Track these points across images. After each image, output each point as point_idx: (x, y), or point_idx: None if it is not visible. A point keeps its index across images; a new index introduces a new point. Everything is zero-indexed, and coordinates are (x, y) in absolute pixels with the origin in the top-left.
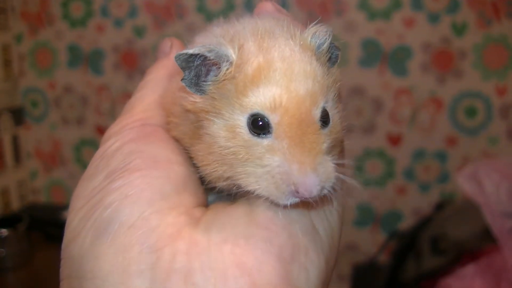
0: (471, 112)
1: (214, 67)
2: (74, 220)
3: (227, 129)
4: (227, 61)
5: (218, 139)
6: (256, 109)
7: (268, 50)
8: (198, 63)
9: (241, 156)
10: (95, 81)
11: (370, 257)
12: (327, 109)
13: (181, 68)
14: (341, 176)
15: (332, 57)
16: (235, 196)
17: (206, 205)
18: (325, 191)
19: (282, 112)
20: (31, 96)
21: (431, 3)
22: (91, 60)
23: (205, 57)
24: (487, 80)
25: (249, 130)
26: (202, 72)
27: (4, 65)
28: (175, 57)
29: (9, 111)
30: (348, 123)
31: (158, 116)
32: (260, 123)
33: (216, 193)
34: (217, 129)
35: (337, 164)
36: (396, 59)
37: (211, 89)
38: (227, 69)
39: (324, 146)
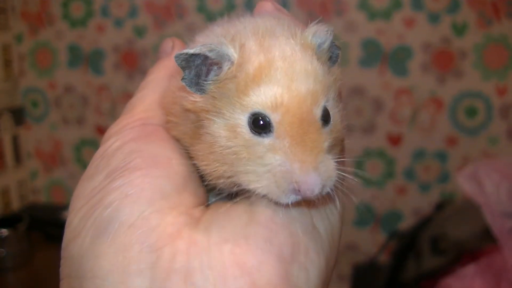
0: (471, 112)
1: (215, 67)
2: (74, 219)
3: (228, 128)
4: (228, 60)
5: (218, 138)
6: (257, 108)
7: (269, 49)
8: (198, 62)
9: (242, 155)
10: (95, 81)
11: (370, 257)
12: (328, 108)
13: (181, 68)
14: (342, 174)
15: (332, 56)
16: (236, 195)
17: (206, 204)
18: (327, 190)
19: (284, 111)
20: (31, 96)
21: (431, 3)
22: (91, 60)
23: (206, 57)
24: (487, 80)
25: (250, 129)
26: (203, 72)
27: (4, 65)
28: (175, 57)
29: (9, 111)
30: (348, 123)
31: (159, 115)
32: (261, 122)
33: (217, 192)
34: (217, 128)
35: (338, 163)
36: (396, 59)
37: (211, 89)
38: (229, 68)
39: (325, 144)
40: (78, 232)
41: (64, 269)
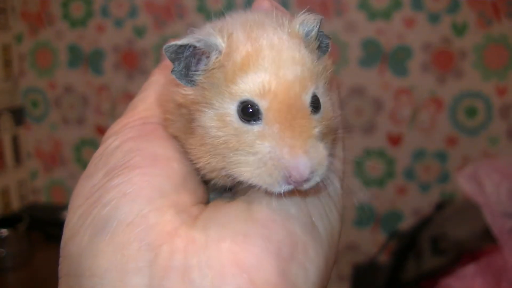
0: (471, 112)
1: (203, 57)
2: (73, 218)
3: (218, 118)
4: (216, 50)
5: (209, 129)
6: (246, 95)
7: (257, 39)
8: (187, 54)
9: (232, 144)
10: (95, 81)
11: (370, 257)
12: (318, 95)
13: (171, 60)
14: (335, 164)
15: (322, 45)
16: (235, 193)
17: (206, 202)
18: (318, 177)
19: (271, 97)
20: (31, 96)
21: (431, 3)
22: (91, 60)
23: (194, 47)
24: (487, 80)
25: (239, 117)
26: (192, 63)
27: (4, 65)
28: (164, 49)
29: (9, 111)
30: (348, 123)
31: (159, 115)
32: (250, 110)
33: (216, 190)
34: (208, 119)
35: (332, 153)
36: (396, 59)
37: (201, 79)
38: (216, 58)
39: (316, 130)
40: (77, 230)
41: (62, 268)
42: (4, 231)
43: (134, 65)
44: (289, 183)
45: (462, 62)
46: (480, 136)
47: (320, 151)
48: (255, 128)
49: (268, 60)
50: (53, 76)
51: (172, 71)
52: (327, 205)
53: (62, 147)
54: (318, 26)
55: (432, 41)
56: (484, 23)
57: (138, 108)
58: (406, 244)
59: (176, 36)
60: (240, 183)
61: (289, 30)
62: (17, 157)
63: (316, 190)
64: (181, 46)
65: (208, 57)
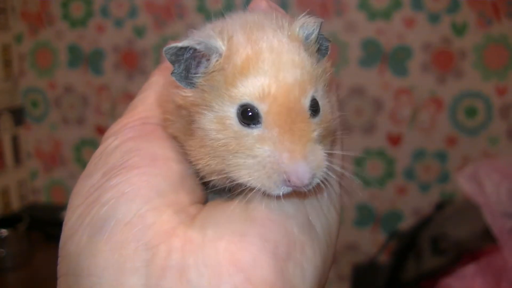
0: (471, 112)
1: (203, 60)
2: (71, 218)
3: (218, 121)
4: (216, 52)
5: (209, 131)
6: (245, 99)
7: (257, 42)
8: (187, 56)
9: (231, 147)
10: (95, 81)
11: (370, 257)
12: (317, 99)
13: (171, 62)
14: (333, 166)
15: (322, 48)
16: (234, 193)
17: (204, 203)
18: (317, 180)
19: (271, 101)
20: (31, 96)
21: (431, 3)
22: (91, 60)
23: (195, 50)
24: (487, 80)
25: (239, 120)
26: (192, 65)
27: (4, 65)
28: (164, 51)
29: (9, 111)
30: (348, 123)
31: (159, 115)
32: (250, 113)
33: (215, 190)
34: (208, 121)
35: (330, 154)
36: (396, 59)
37: (201, 82)
38: (217, 61)
39: (315, 134)
40: (75, 230)
41: (61, 268)
42: (4, 231)
43: (134, 65)
44: (287, 186)
45: (462, 62)
46: (480, 136)
47: (319, 154)
48: (254, 131)
49: (268, 63)
50: (53, 76)
51: (172, 73)
52: (325, 205)
53: (62, 147)
54: (318, 29)
55: (432, 41)
56: (484, 23)
57: (137, 109)
58: (406, 244)
59: (176, 36)
60: (239, 185)
61: (289, 33)
62: (17, 157)
63: (314, 191)
64: (181, 48)
65: (208, 59)
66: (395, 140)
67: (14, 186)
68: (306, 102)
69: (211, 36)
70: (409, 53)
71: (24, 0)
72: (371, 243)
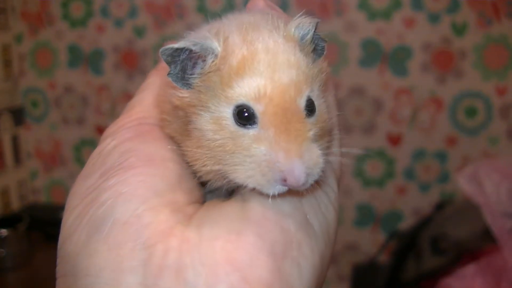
0: (471, 112)
1: (199, 60)
2: (69, 218)
3: (214, 121)
4: (212, 53)
5: (205, 132)
6: (241, 100)
7: (252, 42)
8: (183, 57)
9: (228, 148)
10: (95, 81)
11: (370, 257)
12: (313, 99)
13: (167, 63)
14: (330, 164)
15: (317, 48)
16: (231, 194)
17: (201, 202)
18: (313, 179)
19: (267, 101)
20: (31, 96)
21: (431, 3)
22: (91, 60)
23: (191, 51)
24: (487, 80)
25: (235, 121)
26: (188, 66)
27: (4, 65)
28: (161, 52)
29: (9, 111)
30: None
31: (156, 116)
32: (246, 113)
33: (212, 191)
34: (204, 122)
35: (327, 153)
36: (396, 59)
37: (197, 83)
38: (213, 61)
39: (310, 134)
40: (73, 230)
41: (60, 268)
42: (4, 231)
43: (134, 65)
44: (283, 185)
45: (462, 62)
46: (480, 136)
47: (315, 153)
48: (250, 132)
49: (264, 64)
50: (53, 76)
51: (168, 73)
52: (323, 203)
53: (62, 147)
54: (313, 30)
55: (432, 41)
56: (484, 23)
57: (135, 109)
58: (406, 244)
59: (176, 36)
60: (236, 185)
61: (285, 34)
62: (17, 157)
63: (311, 190)
64: (177, 49)
65: (204, 60)
66: (395, 140)
67: (14, 186)
68: (302, 102)
69: (207, 37)
70: (409, 53)
71: (24, 0)
72: (371, 243)
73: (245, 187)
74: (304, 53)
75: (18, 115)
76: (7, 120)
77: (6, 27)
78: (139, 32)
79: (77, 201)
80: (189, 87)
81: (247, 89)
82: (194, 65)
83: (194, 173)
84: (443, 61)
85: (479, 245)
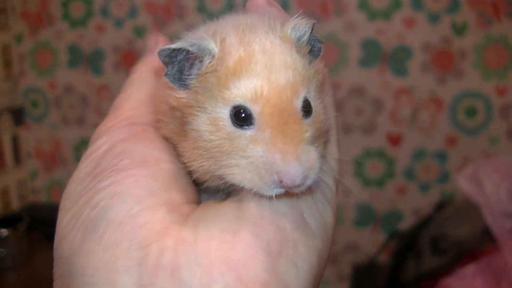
0: (471, 112)
1: (196, 61)
2: (64, 219)
3: (211, 122)
4: (209, 54)
5: (202, 133)
6: (238, 101)
7: (249, 43)
8: (180, 57)
9: (225, 148)
10: (95, 81)
11: (370, 257)
12: (309, 99)
13: (164, 64)
14: (327, 165)
15: (314, 49)
16: (228, 194)
17: (197, 202)
18: (309, 181)
19: (264, 102)
20: (31, 96)
21: (431, 3)
22: (91, 60)
23: (188, 51)
24: (487, 80)
25: (232, 122)
26: (185, 67)
27: (4, 65)
28: (158, 53)
29: (9, 111)
30: (348, 123)
31: (146, 114)
32: (243, 114)
33: (208, 191)
34: (201, 123)
35: (324, 153)
36: (396, 59)
37: (194, 83)
38: (209, 62)
39: (307, 135)
40: (68, 231)
41: (57, 270)
42: (4, 231)
43: (134, 65)
44: (280, 187)
45: (462, 62)
46: (480, 136)
47: (312, 155)
48: (247, 132)
49: (260, 65)
50: (53, 76)
51: (165, 74)
52: (320, 202)
53: (62, 147)
54: (310, 31)
55: (432, 41)
56: (484, 23)
57: (123, 108)
58: (406, 244)
59: (176, 36)
60: (232, 185)
61: (281, 35)
62: (17, 157)
63: (307, 192)
64: (174, 50)
65: (201, 61)
66: (395, 140)
67: (14, 186)
68: (298, 103)
69: (204, 38)
70: (409, 53)
71: (24, 0)
72: (371, 243)
73: (242, 188)
74: (300, 54)
75: (18, 115)
76: (7, 120)
77: (6, 27)
78: (139, 32)
79: (71, 202)
80: (186, 88)
81: (244, 90)
82: (191, 66)
83: (190, 174)
84: (443, 61)
85: (479, 245)
